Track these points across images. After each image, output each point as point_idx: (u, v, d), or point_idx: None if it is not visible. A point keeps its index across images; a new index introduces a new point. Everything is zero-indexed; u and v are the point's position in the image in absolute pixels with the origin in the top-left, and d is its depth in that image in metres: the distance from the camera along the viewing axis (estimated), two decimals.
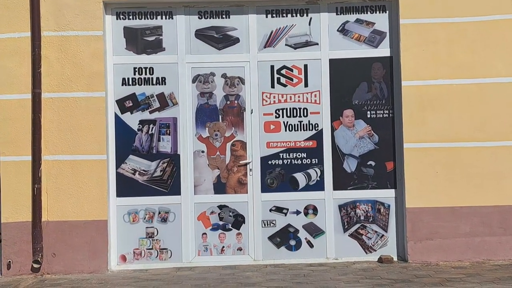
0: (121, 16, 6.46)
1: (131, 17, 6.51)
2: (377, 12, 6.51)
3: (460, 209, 6.25)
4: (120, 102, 6.46)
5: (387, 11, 6.56)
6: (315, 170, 6.50)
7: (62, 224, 6.22)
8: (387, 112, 6.51)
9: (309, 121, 6.51)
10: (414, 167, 6.30)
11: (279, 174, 6.57)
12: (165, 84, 6.45)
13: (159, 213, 6.37)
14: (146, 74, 6.45)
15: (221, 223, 6.45)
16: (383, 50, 6.43)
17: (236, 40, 6.55)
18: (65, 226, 6.24)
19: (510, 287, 5.18)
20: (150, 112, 6.43)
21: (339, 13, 6.51)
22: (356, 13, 6.53)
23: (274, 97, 6.57)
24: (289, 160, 6.51)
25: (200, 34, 6.53)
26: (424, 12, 6.30)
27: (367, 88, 6.56)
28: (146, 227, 6.36)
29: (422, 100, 6.33)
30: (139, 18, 6.53)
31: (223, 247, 6.42)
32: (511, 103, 6.55)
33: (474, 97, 6.46)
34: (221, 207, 6.44)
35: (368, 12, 6.53)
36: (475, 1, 6.58)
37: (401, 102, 6.33)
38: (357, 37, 6.51)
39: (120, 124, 6.44)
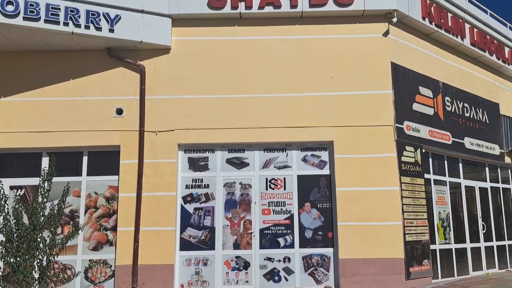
0: (187, 151, 8.91)
1: (192, 152, 8.91)
2: (323, 150, 9.02)
3: (369, 259, 8.42)
4: (184, 198, 8.77)
5: (328, 150, 9.01)
6: (289, 236, 8.73)
7: (149, 266, 8.27)
8: (328, 204, 8.82)
9: (286, 209, 8.83)
10: (343, 236, 8.53)
11: (269, 239, 8.73)
12: (209, 188, 8.81)
13: (202, 260, 8.56)
14: (198, 182, 8.84)
15: (237, 266, 8.61)
16: (326, 171, 8.96)
17: (248, 164, 8.99)
18: (150, 267, 8.25)
19: None
20: (200, 203, 8.76)
21: (302, 150, 9.02)
22: (311, 151, 9.01)
23: (267, 195, 8.88)
24: (275, 231, 8.75)
25: (229, 161, 8.97)
26: (347, 151, 8.77)
27: (317, 191, 8.88)
28: (195, 268, 8.53)
29: (346, 198, 8.66)
30: (196, 153, 8.91)
31: (238, 280, 8.57)
32: (393, 202, 8.70)
33: (372, 196, 8.64)
34: (237, 257, 8.63)
35: (317, 150, 9.01)
36: (370, 146, 8.82)
37: (335, 199, 8.71)
38: (312, 163, 8.99)
39: (183, 210, 8.70)
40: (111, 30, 8.34)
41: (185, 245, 8.67)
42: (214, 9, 8.87)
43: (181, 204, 8.78)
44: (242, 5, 8.89)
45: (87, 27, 8.18)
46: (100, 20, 8.27)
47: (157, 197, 8.59)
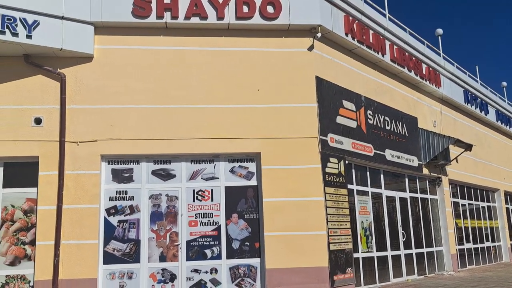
0: (110, 162, 8.76)
1: (116, 163, 8.78)
2: (250, 162, 9.15)
3: (294, 268, 8.63)
4: (108, 210, 8.61)
5: (255, 161, 9.16)
6: (216, 248, 8.80)
7: (70, 281, 8.10)
8: (255, 215, 8.95)
9: (213, 220, 8.88)
10: (269, 246, 8.67)
11: (196, 250, 8.77)
12: (133, 200, 8.70)
13: (127, 273, 8.45)
14: (123, 194, 8.72)
15: (163, 278, 8.54)
16: (253, 181, 9.09)
17: (174, 176, 8.95)
18: (72, 282, 8.09)
19: None
20: (125, 216, 8.64)
21: (230, 162, 9.10)
22: (239, 162, 9.13)
23: (194, 207, 8.90)
24: (202, 242, 8.78)
25: (154, 172, 8.90)
26: (273, 162, 8.96)
27: (245, 202, 9.01)
28: (119, 282, 8.40)
29: (273, 209, 8.83)
30: (120, 164, 8.79)
31: None
32: (317, 212, 8.92)
33: (298, 206, 8.87)
34: (163, 269, 8.57)
35: (245, 162, 9.14)
36: (296, 157, 9.04)
37: (262, 209, 8.86)
38: (240, 174, 9.10)
39: (107, 222, 8.55)
40: (29, 36, 8.06)
41: (109, 258, 8.48)
42: (139, 17, 8.81)
43: (105, 217, 8.60)
44: (167, 15, 8.88)
45: (2, 33, 7.87)
46: (16, 25, 7.97)
47: (79, 210, 8.35)
